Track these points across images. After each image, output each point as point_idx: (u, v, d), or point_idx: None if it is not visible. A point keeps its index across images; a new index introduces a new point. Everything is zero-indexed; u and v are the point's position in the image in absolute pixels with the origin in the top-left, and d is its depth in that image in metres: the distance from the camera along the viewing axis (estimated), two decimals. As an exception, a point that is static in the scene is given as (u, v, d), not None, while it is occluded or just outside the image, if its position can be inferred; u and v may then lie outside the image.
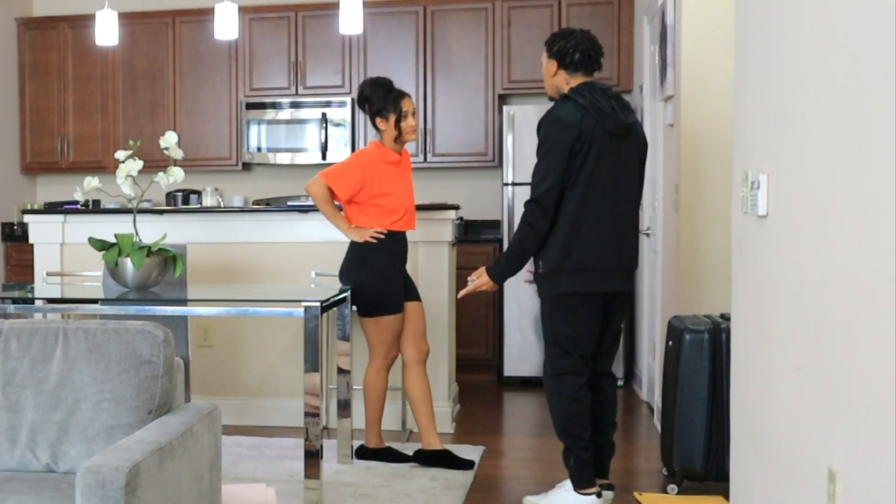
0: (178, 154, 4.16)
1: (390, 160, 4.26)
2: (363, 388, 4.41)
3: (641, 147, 3.72)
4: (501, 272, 3.71)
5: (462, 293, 3.84)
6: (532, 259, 3.68)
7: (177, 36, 7.12)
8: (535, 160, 3.60)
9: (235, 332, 5.17)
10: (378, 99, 4.26)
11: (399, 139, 4.28)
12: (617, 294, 3.66)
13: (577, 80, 3.62)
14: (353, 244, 4.30)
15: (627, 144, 3.60)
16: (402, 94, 4.29)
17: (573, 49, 3.60)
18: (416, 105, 4.45)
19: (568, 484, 3.65)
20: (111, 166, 6.99)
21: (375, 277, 4.24)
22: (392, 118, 4.25)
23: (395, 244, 4.27)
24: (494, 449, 4.66)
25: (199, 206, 6.92)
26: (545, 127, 3.56)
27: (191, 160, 6.72)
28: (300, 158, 6.96)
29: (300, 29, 6.98)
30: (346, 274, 4.30)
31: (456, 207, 5.05)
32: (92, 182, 4.10)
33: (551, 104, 3.67)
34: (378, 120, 4.28)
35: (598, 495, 3.60)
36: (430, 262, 4.96)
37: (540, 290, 3.67)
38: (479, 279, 3.75)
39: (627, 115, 3.59)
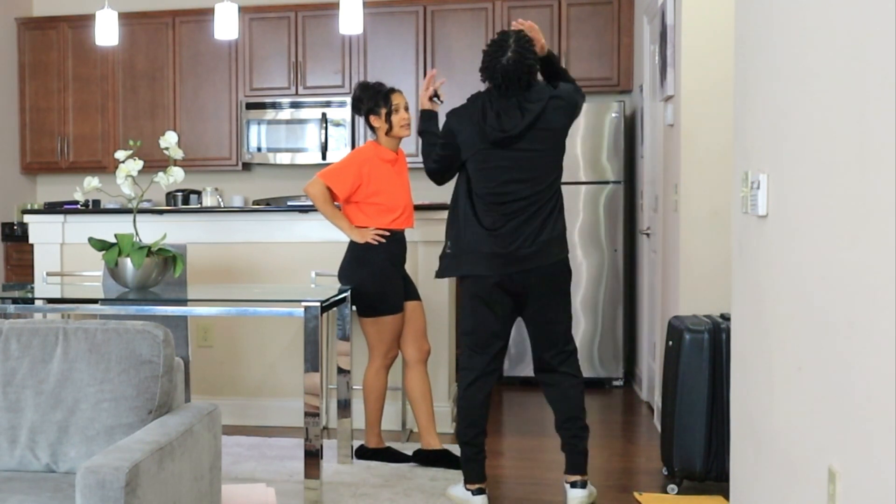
0: (178, 154, 4.16)
1: (386, 158, 4.28)
2: (363, 388, 4.41)
3: (553, 132, 3.63)
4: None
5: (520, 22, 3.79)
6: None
7: (177, 36, 7.12)
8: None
9: (235, 332, 5.17)
10: (369, 97, 4.30)
11: (391, 133, 4.30)
12: (528, 287, 3.61)
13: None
14: (352, 244, 4.30)
15: (522, 145, 3.59)
16: (392, 90, 4.34)
17: (497, 68, 3.57)
18: (416, 105, 4.46)
19: (462, 476, 3.77)
20: (111, 166, 7.00)
21: (374, 277, 4.24)
22: (383, 112, 4.28)
23: (393, 244, 4.27)
24: (494, 449, 4.66)
25: (199, 206, 6.92)
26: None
27: (191, 160, 6.73)
28: (300, 158, 6.96)
29: (300, 29, 6.98)
30: (345, 274, 4.30)
31: (456, 207, 5.04)
32: (92, 182, 4.10)
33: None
34: (372, 118, 4.31)
35: (481, 492, 3.68)
36: (430, 262, 4.96)
37: (439, 272, 3.80)
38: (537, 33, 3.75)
39: (521, 120, 3.56)
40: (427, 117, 3.88)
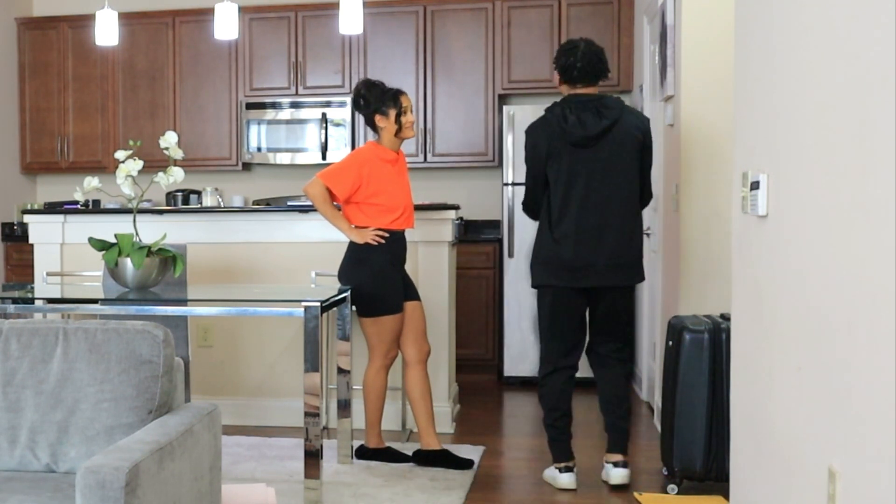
0: (178, 154, 4.16)
1: (387, 158, 4.27)
2: (363, 388, 4.41)
3: (628, 144, 3.90)
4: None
5: None
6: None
7: (177, 36, 7.13)
8: None
9: (235, 332, 5.17)
10: (376, 97, 4.28)
11: (399, 134, 4.29)
12: (599, 288, 3.92)
13: (576, 90, 3.94)
14: (351, 244, 4.30)
15: (600, 150, 3.86)
16: (399, 91, 4.34)
17: (572, 64, 3.90)
18: (415, 105, 4.47)
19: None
20: (111, 166, 7.00)
21: (374, 277, 4.24)
22: (392, 113, 4.27)
23: (393, 244, 4.27)
24: (494, 449, 4.66)
25: (199, 206, 6.92)
26: (526, 146, 4.01)
27: (191, 160, 6.73)
28: (300, 158, 6.96)
29: (300, 29, 6.98)
30: (344, 274, 4.30)
31: (456, 207, 5.05)
32: (92, 182, 4.10)
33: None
34: (378, 117, 4.29)
35: (567, 469, 3.96)
36: (430, 262, 4.96)
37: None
38: None
39: (599, 123, 3.83)
40: None
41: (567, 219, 3.85)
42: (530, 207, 4.05)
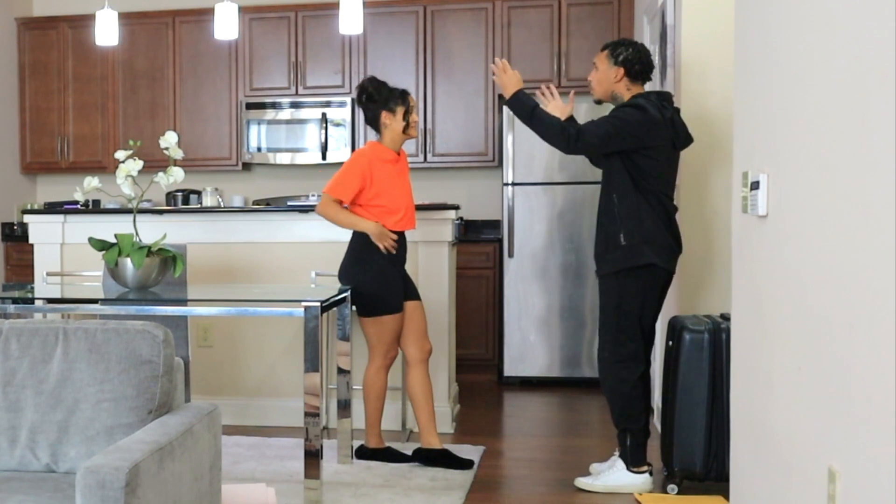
0: (178, 154, 4.16)
1: (387, 158, 4.27)
2: (363, 388, 4.41)
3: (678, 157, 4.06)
4: (517, 103, 3.91)
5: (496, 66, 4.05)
6: (598, 238, 3.93)
7: (177, 36, 7.12)
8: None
9: (235, 332, 5.17)
10: (384, 94, 4.30)
11: (406, 131, 4.31)
12: (667, 281, 3.93)
13: (636, 87, 3.95)
14: (353, 244, 4.30)
15: (676, 158, 3.98)
16: (406, 90, 4.38)
17: (637, 59, 3.92)
18: (416, 105, 4.49)
19: (620, 463, 3.94)
20: (111, 166, 6.99)
21: (375, 277, 4.24)
22: (401, 111, 4.29)
23: (394, 244, 4.27)
24: (494, 449, 4.66)
25: (199, 206, 6.91)
26: (631, 110, 3.81)
27: (191, 160, 6.73)
28: (300, 158, 6.96)
29: (300, 29, 6.98)
30: (345, 274, 4.30)
31: (456, 207, 5.05)
32: (92, 182, 4.10)
33: (593, 99, 4.08)
34: (384, 114, 4.29)
35: (651, 472, 3.92)
36: (430, 262, 4.96)
37: (611, 266, 3.85)
38: (505, 76, 3.99)
39: (688, 130, 3.95)
40: (524, 96, 3.93)
41: (665, 207, 3.84)
42: (573, 149, 3.83)
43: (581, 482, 3.96)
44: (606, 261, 3.87)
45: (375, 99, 4.29)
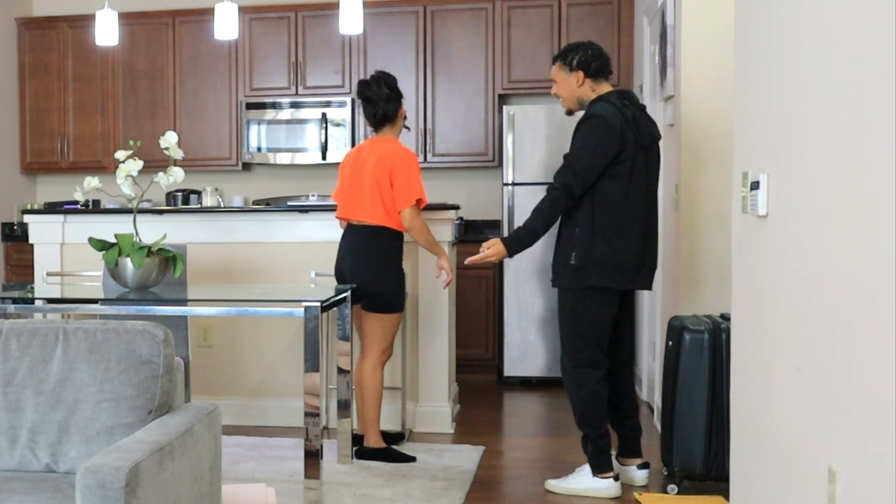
0: (178, 154, 4.16)
1: None
2: (358, 385, 4.41)
3: (658, 153, 3.95)
4: (517, 244, 3.84)
5: (470, 260, 3.96)
6: (555, 253, 3.88)
7: (177, 36, 7.12)
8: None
9: (235, 332, 5.17)
10: (397, 90, 4.42)
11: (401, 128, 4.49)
12: (626, 295, 3.93)
13: (601, 86, 3.87)
14: (359, 243, 4.32)
15: (652, 155, 3.86)
16: None
17: (591, 58, 3.86)
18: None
19: (587, 468, 3.90)
20: (111, 166, 7.00)
21: (396, 276, 4.36)
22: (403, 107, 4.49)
23: (401, 242, 4.40)
24: (494, 449, 4.66)
25: (199, 206, 6.92)
26: (589, 123, 3.73)
27: (191, 160, 6.72)
28: (300, 158, 6.96)
29: (300, 29, 6.98)
30: (358, 273, 4.32)
31: (456, 207, 5.05)
32: (92, 182, 4.10)
33: (564, 110, 4.02)
34: (401, 109, 4.44)
35: (616, 478, 3.86)
36: (431, 261, 4.96)
37: (564, 282, 3.83)
38: (493, 248, 3.87)
39: (654, 128, 3.85)
40: None
41: (626, 220, 3.73)
42: (570, 203, 3.73)
43: (549, 483, 3.96)
44: (559, 275, 3.86)
45: (399, 92, 4.41)
